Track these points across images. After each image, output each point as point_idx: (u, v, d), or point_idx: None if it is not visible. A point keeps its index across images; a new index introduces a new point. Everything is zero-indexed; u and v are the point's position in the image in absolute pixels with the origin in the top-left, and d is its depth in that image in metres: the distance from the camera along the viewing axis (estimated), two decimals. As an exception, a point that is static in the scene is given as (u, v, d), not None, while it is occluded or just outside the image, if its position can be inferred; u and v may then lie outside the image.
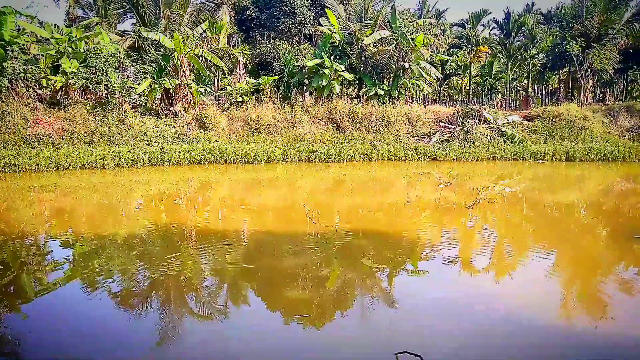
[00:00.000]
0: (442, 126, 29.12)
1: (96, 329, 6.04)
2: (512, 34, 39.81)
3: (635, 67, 35.20)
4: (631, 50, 34.09)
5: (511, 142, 27.39)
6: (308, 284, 7.46)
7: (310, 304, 6.69)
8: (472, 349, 5.40)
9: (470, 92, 45.44)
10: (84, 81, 24.70)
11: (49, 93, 26.13)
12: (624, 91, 40.97)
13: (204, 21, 29.97)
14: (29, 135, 23.12)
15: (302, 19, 36.92)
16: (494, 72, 43.26)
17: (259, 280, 7.80)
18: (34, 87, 25.59)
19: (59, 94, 25.70)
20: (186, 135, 25.87)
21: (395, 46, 29.89)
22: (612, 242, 10.43)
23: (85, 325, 6.11)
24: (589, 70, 33.14)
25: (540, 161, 25.79)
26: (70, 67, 24.30)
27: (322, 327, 6.01)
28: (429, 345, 5.29)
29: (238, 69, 31.84)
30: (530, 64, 40.83)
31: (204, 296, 7.16)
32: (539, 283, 7.58)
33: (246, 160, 24.47)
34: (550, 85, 50.82)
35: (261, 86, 29.56)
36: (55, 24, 28.01)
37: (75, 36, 25.38)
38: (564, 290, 7.46)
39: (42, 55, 25.23)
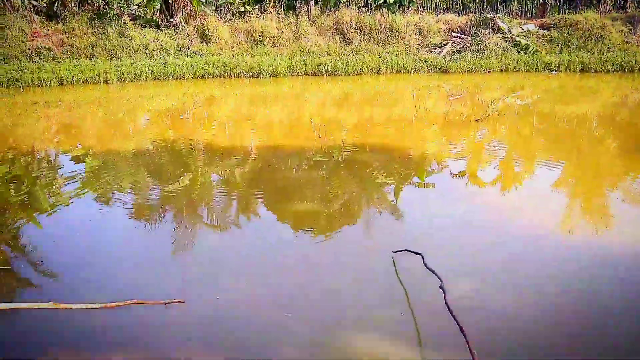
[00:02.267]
0: (454, 36, 27.98)
1: (112, 238, 6.24)
2: None
3: (663, -31, 32.86)
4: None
5: (525, 53, 26.39)
6: (314, 198, 7.56)
7: (316, 216, 6.82)
8: (473, 256, 5.55)
9: (485, -1, 43.07)
10: (79, -9, 23.63)
11: (45, 5, 25.11)
12: (648, -3, 38.62)
13: None
14: (29, 49, 22.58)
15: None
16: (510, -24, 40.67)
17: (266, 194, 7.92)
18: (29, -2, 24.57)
19: (55, 5, 24.68)
20: (188, 49, 25.13)
21: (406, -52, 27.96)
22: (623, 154, 10.33)
23: (101, 235, 6.31)
24: (612, -27, 31.05)
25: (554, 72, 25.01)
26: (64, -24, 23.11)
27: (325, 235, 6.16)
28: (432, 250, 5.40)
29: (240, -24, 30.17)
30: (551, -33, 38.24)
31: (214, 209, 7.31)
32: (546, 195, 7.63)
33: (251, 74, 23.90)
34: (569, -9, 47.94)
35: (264, -6, 28.18)
36: None
37: (67, -59, 23.87)
38: (570, 203, 7.52)
39: (34, -37, 23.95)
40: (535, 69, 25.39)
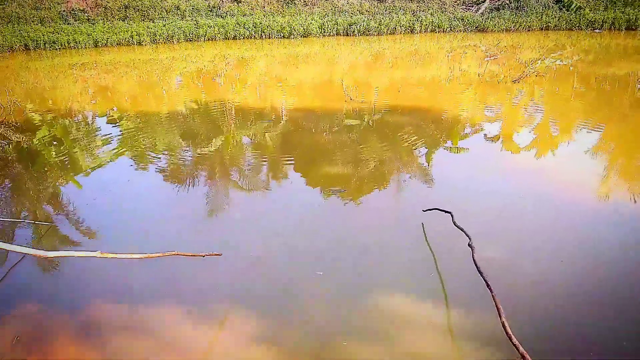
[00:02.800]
0: (492, -7, 26.77)
1: (148, 199, 6.46)
2: None
3: None
4: None
5: (567, 10, 25.10)
6: (345, 160, 7.58)
7: (347, 178, 6.85)
8: (505, 220, 5.50)
9: (527, -47, 40.86)
10: (111, -49, 23.56)
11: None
12: None
13: None
14: (64, 11, 22.86)
15: None
16: None
17: (297, 156, 7.97)
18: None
19: (88, -35, 24.76)
20: (219, 9, 24.94)
21: None
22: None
23: (138, 196, 6.53)
24: None
25: (597, 31, 23.78)
26: None
27: (356, 197, 6.21)
28: (462, 213, 5.39)
29: None
30: None
31: (246, 171, 7.43)
32: (583, 160, 7.43)
33: (282, 34, 23.61)
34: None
35: (296, -49, 27.42)
36: None
37: None
38: (607, 168, 7.30)
39: None
40: (578, 27, 24.16)
